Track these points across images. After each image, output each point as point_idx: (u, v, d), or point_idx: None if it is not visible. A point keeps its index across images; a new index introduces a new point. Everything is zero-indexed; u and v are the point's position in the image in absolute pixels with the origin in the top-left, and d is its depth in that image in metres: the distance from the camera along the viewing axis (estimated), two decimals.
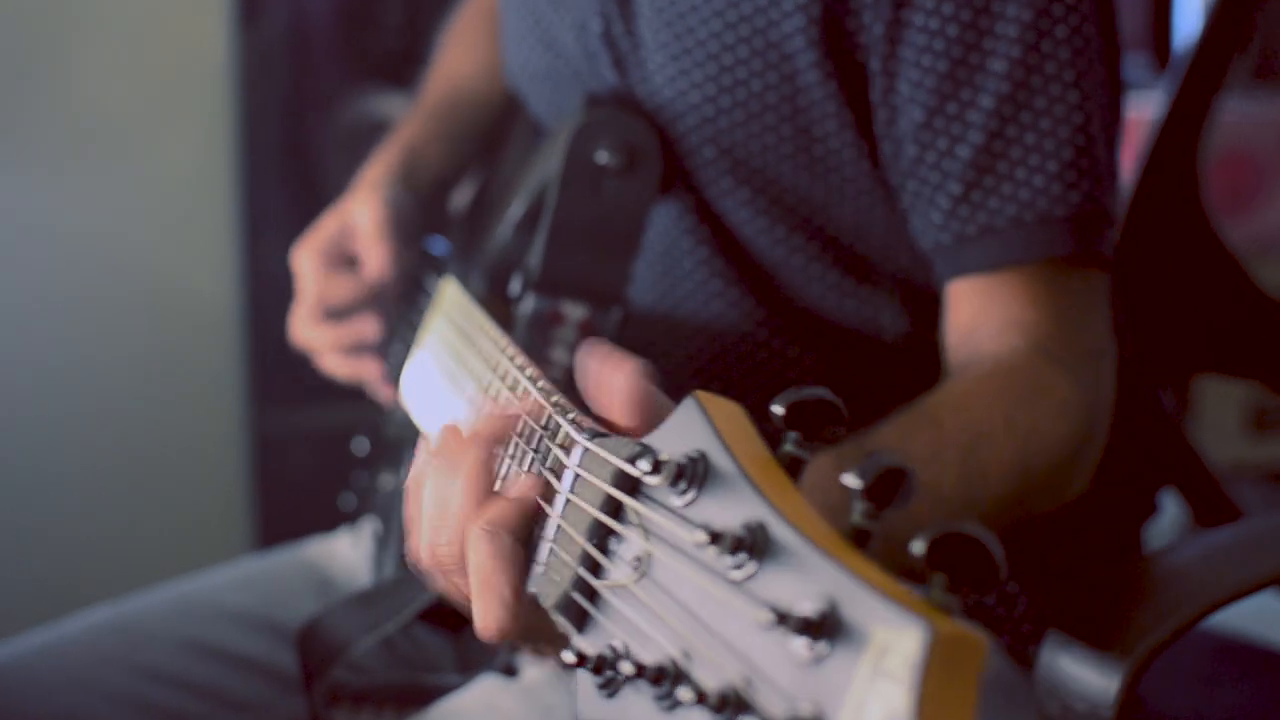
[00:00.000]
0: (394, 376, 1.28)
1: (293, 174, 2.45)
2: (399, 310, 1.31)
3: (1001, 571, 0.53)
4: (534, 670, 1.09)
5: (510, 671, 1.11)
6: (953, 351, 1.06)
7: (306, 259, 1.31)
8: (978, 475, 0.97)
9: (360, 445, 1.41)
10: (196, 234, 2.21)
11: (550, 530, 0.70)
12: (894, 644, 0.50)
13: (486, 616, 0.71)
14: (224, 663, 1.25)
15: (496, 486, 0.75)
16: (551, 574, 0.69)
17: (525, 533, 0.72)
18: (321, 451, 2.38)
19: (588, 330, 1.09)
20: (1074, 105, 1.02)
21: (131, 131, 2.15)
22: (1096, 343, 1.06)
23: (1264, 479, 2.53)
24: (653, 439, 0.65)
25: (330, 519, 1.71)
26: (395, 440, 1.34)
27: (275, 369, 2.31)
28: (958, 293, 1.06)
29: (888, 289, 1.14)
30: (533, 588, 0.70)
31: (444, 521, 0.74)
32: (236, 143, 2.23)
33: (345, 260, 1.31)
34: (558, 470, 0.72)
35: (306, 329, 1.31)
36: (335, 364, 1.32)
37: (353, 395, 2.20)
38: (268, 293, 2.33)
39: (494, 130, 1.44)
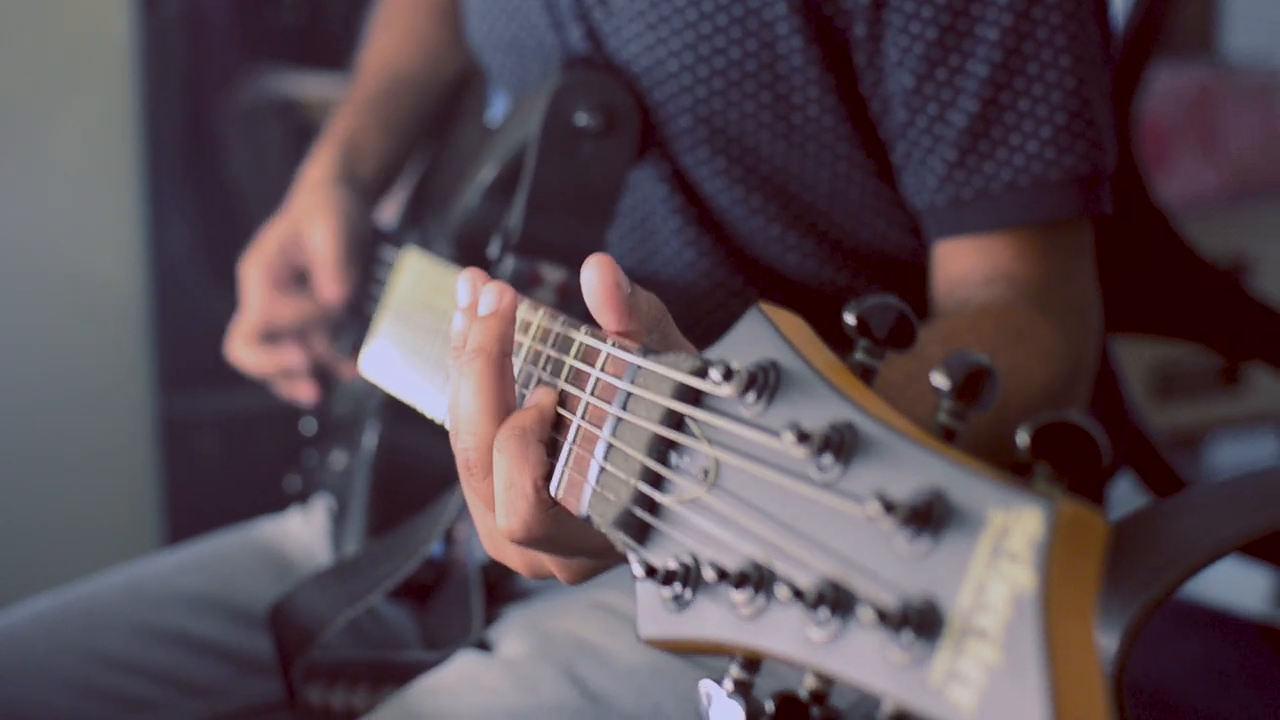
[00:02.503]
0: (352, 352, 1.27)
1: (193, 155, 2.41)
2: (357, 288, 1.30)
3: (1106, 459, 0.53)
4: (513, 645, 1.08)
5: (484, 646, 1.10)
6: (939, 302, 1.06)
7: (254, 274, 1.30)
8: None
9: (308, 425, 1.39)
10: (99, 217, 2.16)
11: (600, 450, 0.69)
12: (1014, 525, 0.50)
13: (511, 515, 0.73)
14: (181, 646, 1.23)
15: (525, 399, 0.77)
16: (606, 493, 0.68)
17: (545, 436, 0.74)
18: (229, 436, 2.34)
19: (565, 293, 1.08)
20: (1066, 69, 1.02)
21: (32, 115, 2.09)
22: (1083, 295, 1.07)
23: (1172, 446, 2.58)
24: (713, 351, 0.65)
25: (239, 502, 1.68)
26: (347, 418, 1.32)
27: (182, 353, 2.26)
28: (948, 250, 1.07)
29: (864, 257, 1.14)
30: (586, 509, 0.69)
31: (469, 426, 0.76)
32: (138, 124, 2.18)
33: (294, 275, 1.31)
34: (580, 382, 0.74)
35: (242, 348, 1.32)
36: (273, 383, 1.33)
37: (258, 380, 2.16)
38: (172, 276, 2.29)
39: (435, 116, 1.43)
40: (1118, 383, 1.29)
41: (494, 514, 0.76)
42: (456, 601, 1.15)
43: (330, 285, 1.27)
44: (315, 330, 1.31)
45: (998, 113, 1.03)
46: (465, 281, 0.80)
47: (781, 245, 1.12)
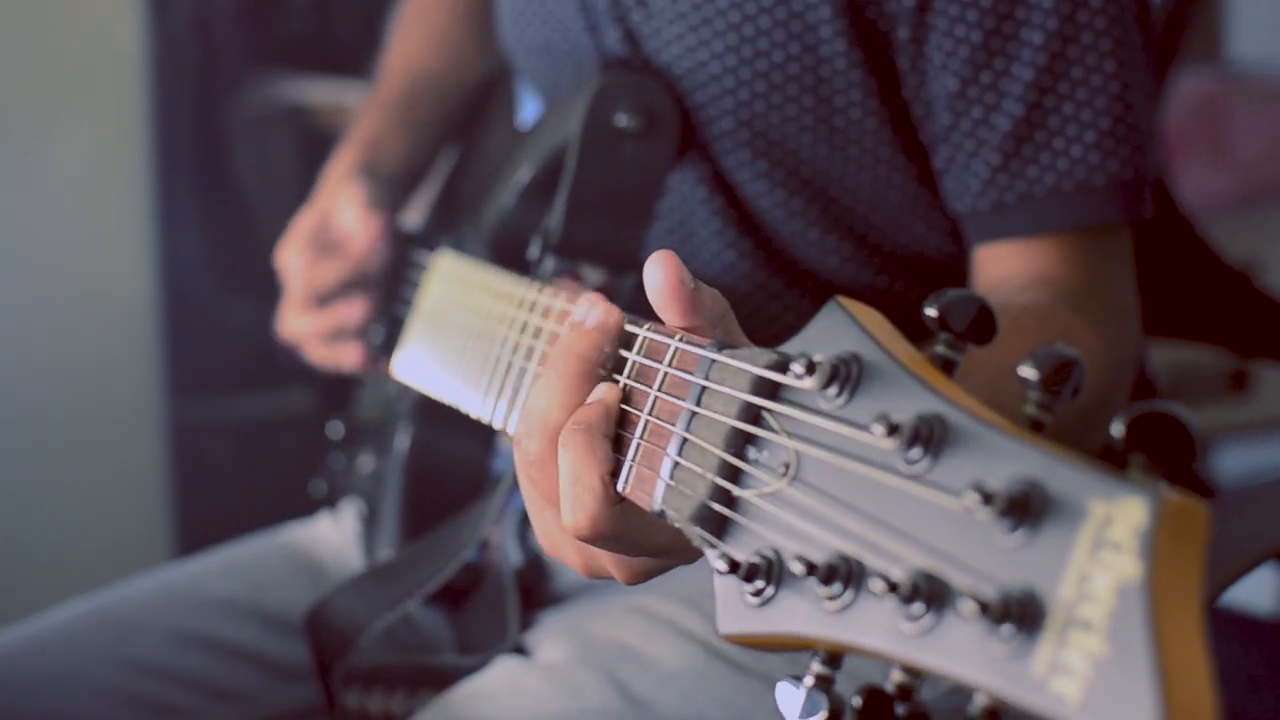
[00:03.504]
0: (385, 352, 1.27)
1: (203, 162, 2.40)
2: (387, 287, 1.30)
3: (1200, 449, 0.53)
4: (552, 650, 1.07)
5: (520, 651, 1.10)
6: None
7: (291, 254, 1.30)
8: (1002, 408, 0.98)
9: (335, 429, 1.38)
10: (108, 224, 2.16)
11: (674, 445, 0.69)
12: (1117, 515, 0.50)
13: (577, 510, 0.72)
14: (213, 652, 1.22)
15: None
16: (682, 488, 0.67)
17: (611, 432, 0.73)
18: (241, 442, 2.34)
19: (605, 294, 1.08)
20: (1110, 74, 1.02)
21: (42, 122, 2.09)
22: (1123, 300, 1.07)
23: None
24: (791, 345, 0.65)
25: (251, 507, 1.67)
26: (375, 421, 1.32)
27: (192, 359, 2.25)
28: (990, 254, 1.07)
29: (903, 260, 1.14)
30: (660, 504, 0.69)
31: (540, 420, 0.75)
32: (148, 131, 2.18)
33: (329, 249, 1.30)
34: (645, 378, 0.73)
35: (295, 318, 1.30)
36: (319, 353, 1.31)
37: (268, 385, 2.17)
38: (182, 282, 2.28)
39: (459, 118, 1.42)
40: (1154, 388, 1.29)
41: (555, 510, 0.76)
42: (491, 606, 1.15)
43: (364, 230, 1.27)
44: (357, 293, 1.30)
45: (1042, 117, 1.03)
46: (584, 301, 0.80)
47: (821, 248, 1.12)
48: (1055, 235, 1.05)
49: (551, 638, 1.09)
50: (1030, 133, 1.03)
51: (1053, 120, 1.03)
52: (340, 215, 1.29)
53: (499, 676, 1.06)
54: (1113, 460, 0.55)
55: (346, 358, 1.30)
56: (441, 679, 1.11)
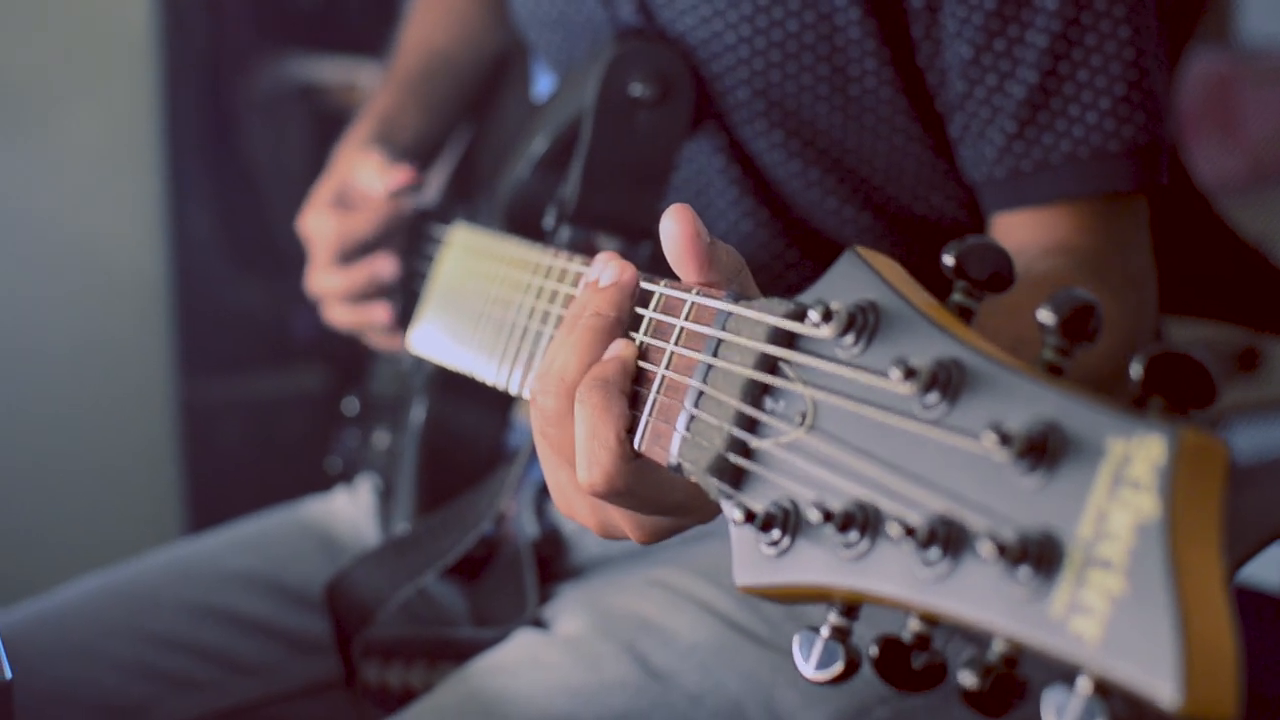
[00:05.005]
0: (401, 327, 1.26)
1: (214, 140, 2.40)
2: (403, 261, 1.30)
3: (1220, 390, 0.53)
4: (571, 623, 1.07)
5: (538, 624, 1.10)
6: None
7: (314, 217, 1.29)
8: None
9: (350, 405, 1.38)
10: (119, 203, 2.16)
11: (690, 398, 0.69)
12: (1136, 452, 0.50)
13: (593, 466, 0.72)
14: (231, 625, 1.22)
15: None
16: (699, 440, 0.67)
17: (627, 388, 0.73)
18: (251, 421, 2.34)
19: None
20: (1125, 40, 1.02)
21: (53, 101, 2.09)
22: (1140, 267, 1.07)
23: None
24: (808, 294, 0.65)
25: (260, 486, 1.68)
26: (390, 397, 1.32)
27: (203, 339, 2.26)
28: (1007, 223, 1.06)
29: (919, 230, 1.13)
30: (677, 457, 0.69)
31: (557, 376, 0.75)
32: (158, 110, 2.18)
33: (354, 207, 1.29)
34: (661, 334, 0.73)
35: (323, 276, 1.29)
36: (344, 313, 1.30)
37: (279, 364, 2.17)
38: (193, 261, 2.28)
39: (473, 96, 1.42)
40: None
41: (570, 467, 0.76)
42: (508, 579, 1.15)
43: (390, 178, 1.25)
44: (386, 248, 1.29)
45: (1057, 83, 1.02)
46: (599, 261, 0.80)
47: (839, 218, 1.12)
48: (1072, 202, 1.04)
49: (570, 610, 1.09)
50: (1045, 100, 1.03)
51: (1067, 87, 1.02)
52: (361, 174, 1.29)
53: (518, 649, 1.06)
54: None
55: (376, 315, 1.29)
56: (461, 651, 1.11)
